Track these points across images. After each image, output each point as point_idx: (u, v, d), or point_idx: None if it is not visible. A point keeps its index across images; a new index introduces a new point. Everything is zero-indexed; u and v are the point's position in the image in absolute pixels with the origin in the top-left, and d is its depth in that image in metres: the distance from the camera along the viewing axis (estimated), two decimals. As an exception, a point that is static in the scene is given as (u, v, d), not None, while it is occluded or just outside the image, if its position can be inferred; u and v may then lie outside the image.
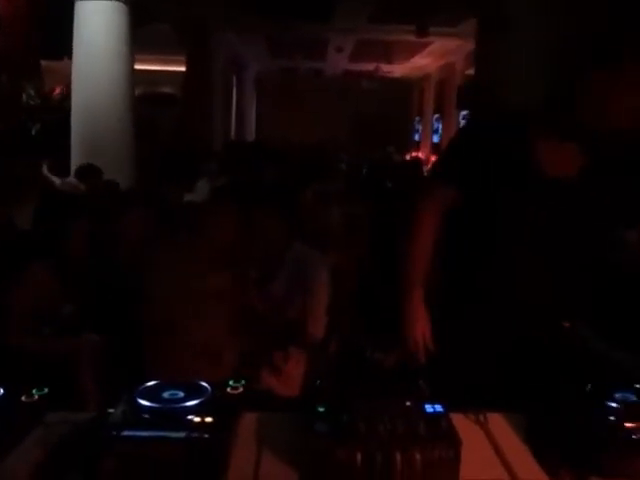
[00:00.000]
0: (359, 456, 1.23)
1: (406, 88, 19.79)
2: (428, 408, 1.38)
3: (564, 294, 1.81)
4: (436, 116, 17.19)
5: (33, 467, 1.28)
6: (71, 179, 5.66)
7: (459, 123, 12.48)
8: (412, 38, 10.47)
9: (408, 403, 1.39)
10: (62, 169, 6.15)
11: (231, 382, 1.49)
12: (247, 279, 2.70)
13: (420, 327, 1.84)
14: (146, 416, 1.32)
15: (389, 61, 15.73)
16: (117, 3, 6.22)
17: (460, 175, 1.81)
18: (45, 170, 6.01)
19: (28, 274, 2.48)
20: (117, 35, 6.28)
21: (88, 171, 5.59)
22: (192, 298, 2.44)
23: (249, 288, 2.68)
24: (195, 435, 1.25)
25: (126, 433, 1.26)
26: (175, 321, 2.39)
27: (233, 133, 16.11)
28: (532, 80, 4.50)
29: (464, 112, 10.30)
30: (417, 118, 19.93)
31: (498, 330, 1.80)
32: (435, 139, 17.17)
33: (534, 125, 1.76)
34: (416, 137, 19.76)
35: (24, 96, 9.93)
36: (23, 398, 1.49)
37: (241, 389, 1.48)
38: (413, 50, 14.09)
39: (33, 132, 9.51)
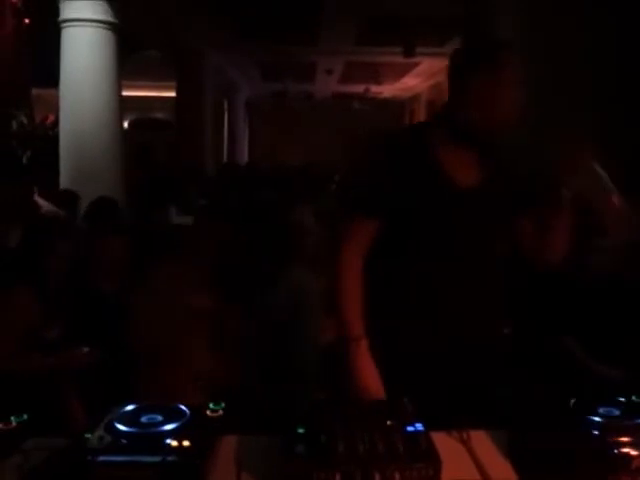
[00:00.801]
0: (338, 477, 1.22)
1: (397, 108, 19.93)
2: (409, 427, 1.37)
3: (496, 299, 1.81)
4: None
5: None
6: (50, 206, 5.63)
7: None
8: (400, 59, 10.56)
9: (389, 422, 1.38)
10: (53, 194, 6.15)
11: (211, 405, 1.48)
12: (236, 304, 2.69)
13: (372, 381, 1.73)
14: (123, 441, 1.31)
15: (378, 82, 15.85)
16: (103, 30, 6.25)
17: (380, 201, 1.77)
18: (36, 196, 6.00)
19: (10, 298, 2.46)
20: (103, 61, 6.28)
21: (65, 197, 5.57)
22: (178, 324, 2.43)
23: (237, 314, 2.67)
24: (171, 459, 1.24)
25: (102, 458, 1.24)
26: (168, 348, 2.38)
27: (225, 156, 16.17)
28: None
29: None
30: (409, 138, 19.99)
31: (439, 342, 1.76)
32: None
33: (435, 132, 1.80)
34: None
35: (14, 124, 9.98)
36: (1, 425, 1.47)
37: (221, 412, 1.47)
38: (402, 71, 14.20)
39: (24, 160, 9.53)
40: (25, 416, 1.53)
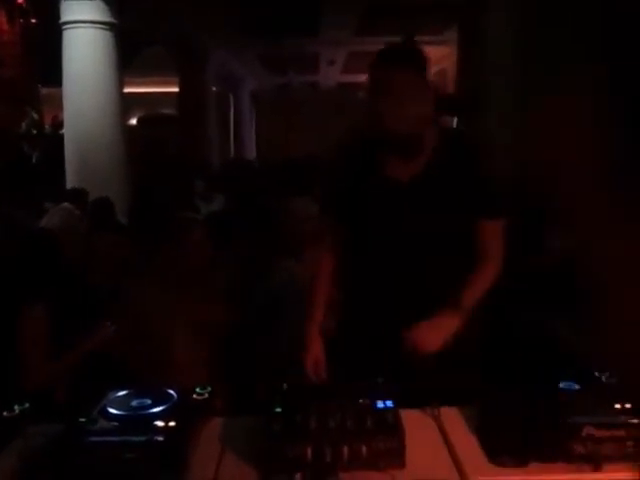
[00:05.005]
0: (309, 451, 1.33)
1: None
2: (379, 404, 1.47)
3: (446, 282, 1.86)
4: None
5: (8, 476, 1.37)
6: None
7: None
8: (401, 48, 10.56)
9: (360, 401, 1.48)
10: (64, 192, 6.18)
11: (197, 389, 1.60)
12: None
13: (312, 356, 1.99)
14: (114, 423, 1.42)
15: (382, 71, 15.84)
16: (103, 31, 6.36)
17: (338, 206, 2.00)
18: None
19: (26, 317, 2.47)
20: (104, 61, 6.38)
21: (75, 195, 5.51)
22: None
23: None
24: (157, 438, 1.35)
25: (94, 439, 1.36)
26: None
27: (232, 151, 16.26)
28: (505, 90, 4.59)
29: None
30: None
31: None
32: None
33: (371, 135, 1.92)
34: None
35: (23, 125, 10.14)
36: (5, 413, 1.59)
37: (206, 395, 1.58)
38: (405, 59, 14.19)
39: (34, 160, 9.69)
40: (27, 404, 1.65)
